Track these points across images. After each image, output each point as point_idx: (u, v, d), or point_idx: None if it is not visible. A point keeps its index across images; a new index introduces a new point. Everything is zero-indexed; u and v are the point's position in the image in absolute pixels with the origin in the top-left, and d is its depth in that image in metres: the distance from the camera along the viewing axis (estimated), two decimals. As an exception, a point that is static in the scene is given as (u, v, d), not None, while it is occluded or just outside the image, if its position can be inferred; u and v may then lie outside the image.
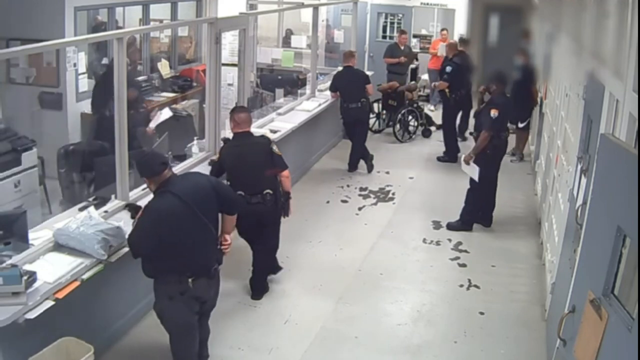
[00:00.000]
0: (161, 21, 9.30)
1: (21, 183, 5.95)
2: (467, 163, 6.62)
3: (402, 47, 11.06)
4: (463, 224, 6.78)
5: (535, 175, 8.29)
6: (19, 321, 3.41)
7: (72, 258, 3.94)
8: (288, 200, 5.20)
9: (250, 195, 4.96)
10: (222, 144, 5.36)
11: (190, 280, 3.82)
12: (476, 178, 6.54)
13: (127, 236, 3.98)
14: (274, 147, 5.14)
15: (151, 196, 3.95)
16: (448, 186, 8.04)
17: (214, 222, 3.99)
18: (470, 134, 6.83)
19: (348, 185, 7.96)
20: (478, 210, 6.81)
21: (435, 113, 11.39)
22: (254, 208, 4.97)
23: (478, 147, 6.51)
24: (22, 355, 3.47)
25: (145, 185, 5.02)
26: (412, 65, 11.78)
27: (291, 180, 5.34)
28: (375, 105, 9.95)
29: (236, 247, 4.78)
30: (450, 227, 6.80)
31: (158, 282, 3.90)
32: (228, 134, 5.55)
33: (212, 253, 4.00)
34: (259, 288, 5.31)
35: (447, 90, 8.99)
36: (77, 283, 3.81)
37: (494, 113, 6.40)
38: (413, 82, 10.85)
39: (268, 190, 5.01)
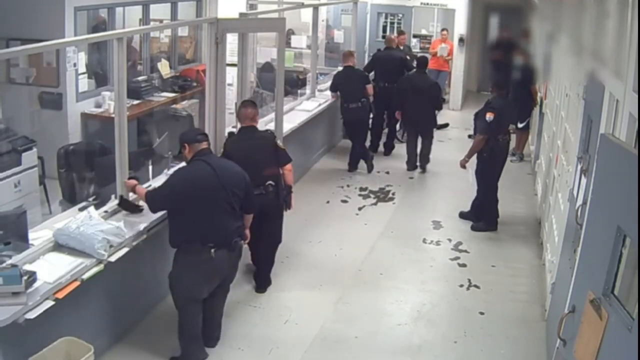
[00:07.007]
0: (161, 21, 9.29)
1: (21, 183, 5.96)
2: (463, 167, 6.60)
3: (402, 47, 11.05)
4: (487, 225, 6.74)
5: (535, 175, 8.29)
6: (19, 321, 3.40)
7: (72, 258, 3.93)
8: (290, 194, 5.30)
9: (253, 187, 4.99)
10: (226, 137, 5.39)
11: (212, 250, 3.99)
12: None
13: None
14: (279, 142, 5.29)
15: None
16: (448, 186, 8.03)
17: (238, 205, 4.20)
18: (469, 136, 6.81)
19: (348, 185, 7.95)
20: (495, 205, 6.75)
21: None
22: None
23: (472, 150, 6.50)
24: (22, 355, 3.46)
25: (147, 185, 5.04)
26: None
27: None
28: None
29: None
30: (475, 228, 6.73)
31: (180, 251, 4.10)
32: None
33: (234, 228, 4.17)
34: (264, 282, 5.38)
35: None
36: (77, 283, 3.80)
37: (489, 116, 6.36)
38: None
39: (270, 182, 5.08)
